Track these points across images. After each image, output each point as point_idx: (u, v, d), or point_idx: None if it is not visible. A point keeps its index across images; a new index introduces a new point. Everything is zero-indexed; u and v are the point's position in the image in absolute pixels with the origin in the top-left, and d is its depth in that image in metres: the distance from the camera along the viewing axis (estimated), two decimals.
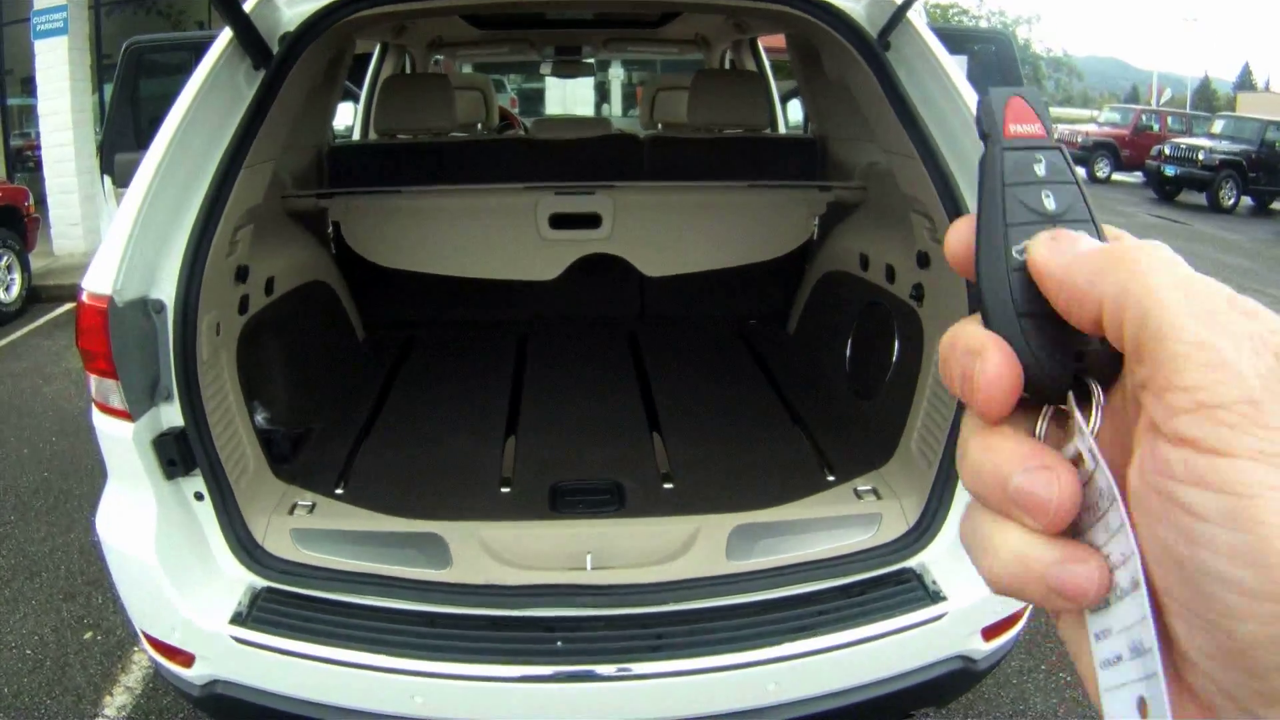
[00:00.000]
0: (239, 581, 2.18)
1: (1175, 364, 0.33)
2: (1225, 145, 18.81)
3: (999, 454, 0.38)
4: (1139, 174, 21.83)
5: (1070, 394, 0.38)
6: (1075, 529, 0.37)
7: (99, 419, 2.12)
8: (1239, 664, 0.33)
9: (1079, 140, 23.71)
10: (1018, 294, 0.38)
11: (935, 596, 2.17)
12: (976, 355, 0.38)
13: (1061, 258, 0.37)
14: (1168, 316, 0.34)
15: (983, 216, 0.40)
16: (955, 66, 2.38)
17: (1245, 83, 76.12)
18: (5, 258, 8.12)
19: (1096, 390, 0.38)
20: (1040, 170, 0.40)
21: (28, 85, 11.77)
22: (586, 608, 2.13)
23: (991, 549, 0.38)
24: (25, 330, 7.85)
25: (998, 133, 0.41)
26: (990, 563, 0.38)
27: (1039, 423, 0.39)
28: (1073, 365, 0.38)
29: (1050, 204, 0.40)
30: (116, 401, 2.07)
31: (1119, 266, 0.36)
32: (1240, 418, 0.32)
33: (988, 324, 0.39)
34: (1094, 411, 0.37)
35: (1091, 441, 0.36)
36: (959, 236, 0.41)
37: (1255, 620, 0.32)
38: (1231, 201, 18.41)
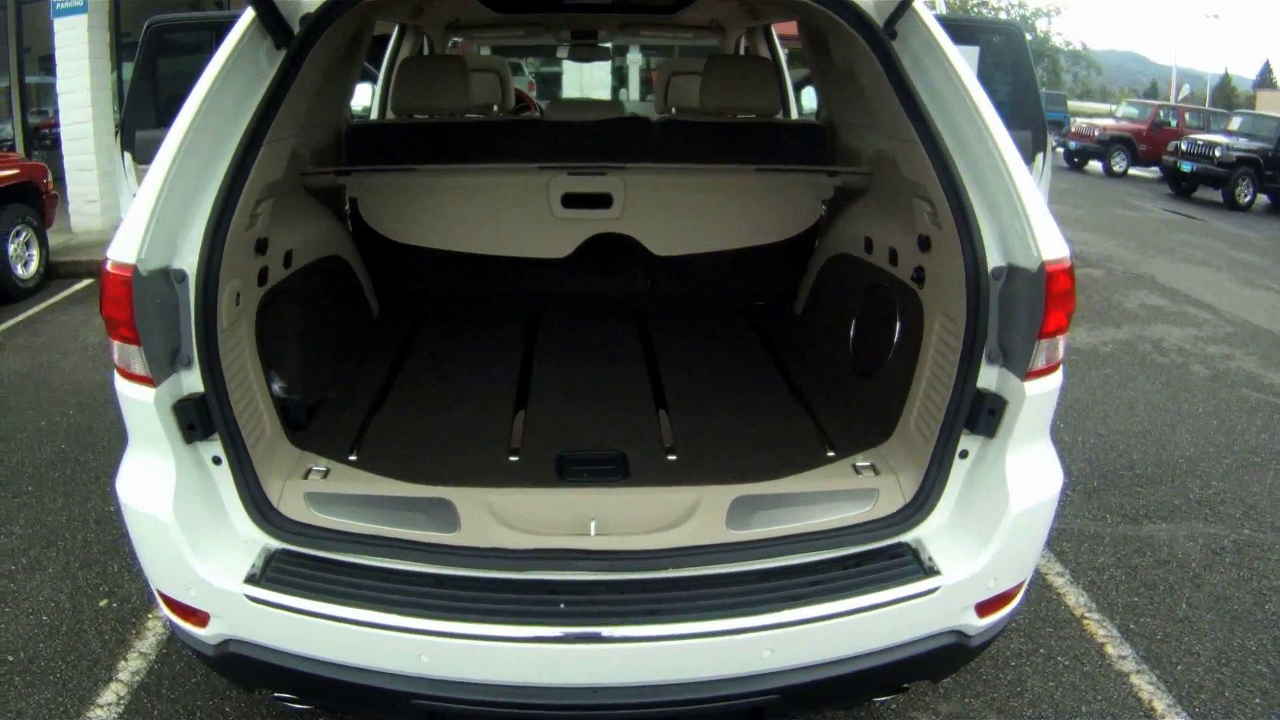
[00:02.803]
0: (254, 543, 2.25)
1: None
2: (1243, 142, 18.76)
3: None
4: (1155, 169, 21.76)
5: None
6: None
7: (121, 384, 2.18)
8: None
9: (1096, 134, 23.61)
10: None
11: (930, 571, 2.21)
12: None
13: None
14: None
15: None
16: (960, 56, 2.41)
17: (1265, 80, 75.29)
18: (24, 234, 8.20)
19: None
20: None
21: (47, 63, 11.80)
22: (589, 572, 2.19)
23: None
24: (43, 306, 7.94)
25: None
26: None
27: None
28: None
29: None
30: (138, 367, 2.13)
31: None
32: None
33: None
34: None
35: None
36: None
37: None
38: (1248, 198, 18.35)
